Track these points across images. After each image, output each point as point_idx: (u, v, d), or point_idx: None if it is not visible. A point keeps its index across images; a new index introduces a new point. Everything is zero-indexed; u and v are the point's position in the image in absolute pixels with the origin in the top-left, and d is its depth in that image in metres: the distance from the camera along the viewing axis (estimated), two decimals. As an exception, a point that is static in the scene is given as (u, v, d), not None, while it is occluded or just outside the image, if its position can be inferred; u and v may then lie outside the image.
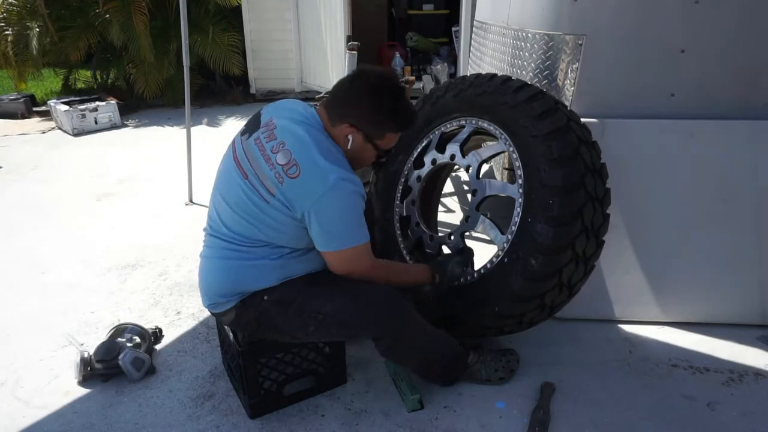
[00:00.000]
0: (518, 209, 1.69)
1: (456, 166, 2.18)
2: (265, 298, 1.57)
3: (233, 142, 1.67)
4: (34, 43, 5.90)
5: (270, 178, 1.49)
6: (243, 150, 1.59)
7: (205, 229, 1.70)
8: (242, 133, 1.64)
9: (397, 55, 6.74)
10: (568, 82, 2.05)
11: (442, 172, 2.27)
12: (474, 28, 3.53)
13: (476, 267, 1.83)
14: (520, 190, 1.70)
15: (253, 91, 6.94)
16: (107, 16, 5.89)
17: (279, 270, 1.57)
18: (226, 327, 1.77)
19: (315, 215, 1.46)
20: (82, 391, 1.88)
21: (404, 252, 2.05)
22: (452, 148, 2.00)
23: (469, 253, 1.90)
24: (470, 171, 1.91)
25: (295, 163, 1.46)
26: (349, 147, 1.56)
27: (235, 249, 1.57)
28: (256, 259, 1.56)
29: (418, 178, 2.11)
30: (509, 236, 1.70)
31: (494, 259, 1.74)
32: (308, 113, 1.59)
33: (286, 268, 1.58)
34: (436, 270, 1.78)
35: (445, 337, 1.77)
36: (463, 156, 1.97)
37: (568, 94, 2.05)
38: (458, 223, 2.42)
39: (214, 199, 1.67)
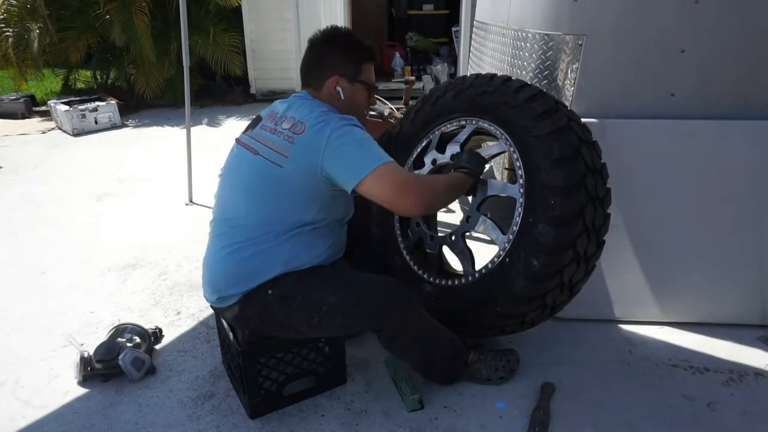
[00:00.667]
0: (519, 209, 1.69)
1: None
2: (270, 292, 1.58)
3: (236, 142, 1.74)
4: (35, 43, 5.90)
5: (280, 142, 1.57)
6: (250, 138, 1.69)
7: (211, 222, 1.72)
8: (245, 131, 1.74)
9: (397, 55, 6.75)
10: (568, 82, 2.05)
11: (440, 172, 2.27)
12: (474, 28, 3.53)
13: (477, 267, 1.83)
14: (521, 190, 1.70)
15: (253, 91, 6.94)
16: (108, 16, 5.89)
17: (285, 256, 1.57)
18: (226, 327, 1.77)
19: (333, 153, 1.50)
20: (82, 391, 1.88)
21: (404, 252, 2.05)
22: (452, 148, 2.00)
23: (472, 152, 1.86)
24: (470, 171, 1.91)
25: (300, 121, 1.56)
26: (342, 98, 1.67)
27: (242, 237, 1.59)
28: (262, 244, 1.57)
29: (418, 178, 2.11)
30: (510, 236, 1.70)
31: (495, 260, 1.74)
32: (301, 95, 1.71)
33: (292, 252, 1.58)
34: (468, 170, 1.73)
35: (448, 333, 1.77)
36: (464, 156, 1.97)
37: (568, 94, 2.06)
38: (458, 223, 2.42)
39: (220, 193, 1.72)
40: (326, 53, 1.68)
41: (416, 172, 2.11)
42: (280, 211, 1.57)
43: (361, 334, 2.01)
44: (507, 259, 1.69)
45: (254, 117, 1.78)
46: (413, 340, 1.71)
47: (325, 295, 1.58)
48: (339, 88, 1.67)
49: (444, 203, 1.78)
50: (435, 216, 2.34)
